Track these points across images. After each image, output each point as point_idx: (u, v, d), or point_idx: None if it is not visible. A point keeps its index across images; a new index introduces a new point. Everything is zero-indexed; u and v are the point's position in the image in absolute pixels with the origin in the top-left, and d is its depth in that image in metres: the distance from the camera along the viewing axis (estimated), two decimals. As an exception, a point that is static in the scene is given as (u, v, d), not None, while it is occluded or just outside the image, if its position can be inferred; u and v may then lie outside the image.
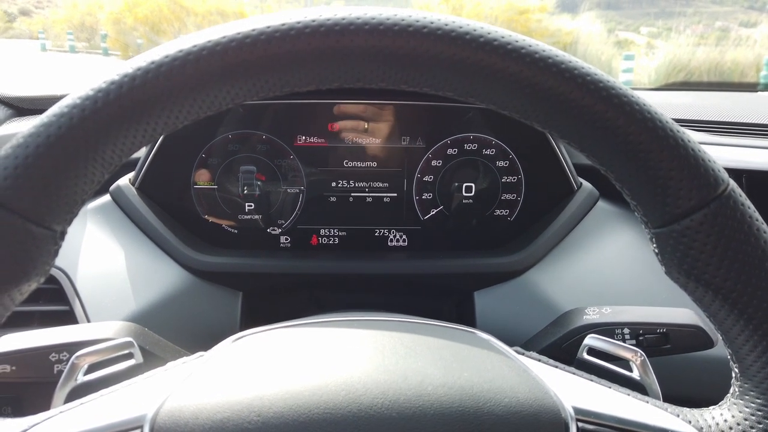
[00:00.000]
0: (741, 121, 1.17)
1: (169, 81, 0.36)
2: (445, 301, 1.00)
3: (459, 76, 0.37)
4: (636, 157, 0.38)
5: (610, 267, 0.93)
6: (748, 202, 0.39)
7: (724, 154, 1.02)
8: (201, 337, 0.83)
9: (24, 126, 0.45)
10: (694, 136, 0.39)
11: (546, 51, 0.37)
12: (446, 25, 0.36)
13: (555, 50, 0.38)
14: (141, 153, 0.96)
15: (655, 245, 0.41)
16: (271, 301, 0.97)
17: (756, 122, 1.16)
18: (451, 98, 0.39)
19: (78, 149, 0.36)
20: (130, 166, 0.96)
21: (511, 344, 0.52)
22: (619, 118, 0.37)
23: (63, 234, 0.40)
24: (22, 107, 1.22)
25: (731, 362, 0.43)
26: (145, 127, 0.37)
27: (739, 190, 0.39)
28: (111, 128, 0.37)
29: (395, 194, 0.98)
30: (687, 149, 0.37)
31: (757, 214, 0.39)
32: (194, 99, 0.37)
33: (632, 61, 10.97)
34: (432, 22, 0.36)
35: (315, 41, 0.36)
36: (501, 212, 0.99)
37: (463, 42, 0.36)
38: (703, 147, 0.39)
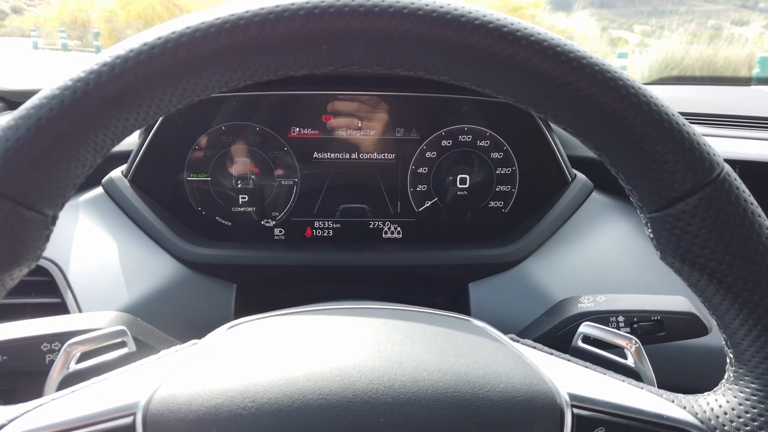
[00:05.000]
0: (734, 113, 1.18)
1: (162, 63, 0.36)
2: (440, 293, 1.00)
3: (454, 60, 0.37)
4: (631, 141, 0.38)
5: (605, 257, 0.93)
6: (743, 186, 0.39)
7: (718, 146, 1.02)
8: (194, 329, 0.83)
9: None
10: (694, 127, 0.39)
11: (542, 34, 0.37)
12: (441, 7, 0.36)
13: (550, 33, 0.37)
14: (134, 145, 0.95)
15: (650, 230, 0.41)
16: (265, 294, 0.97)
17: (749, 114, 1.16)
18: (445, 89, 0.39)
19: (69, 132, 0.36)
20: (122, 158, 0.96)
21: (506, 334, 0.52)
22: (615, 101, 0.37)
23: (54, 218, 0.39)
24: (14, 101, 1.22)
25: (726, 348, 0.43)
26: (137, 110, 0.37)
27: (734, 174, 0.39)
28: (103, 111, 0.36)
29: (390, 186, 0.98)
30: (682, 133, 0.37)
31: (751, 198, 0.39)
32: (187, 82, 0.37)
33: (626, 59, 11.02)
34: (427, 4, 0.36)
35: (309, 23, 0.36)
36: (495, 204, 0.99)
37: (458, 24, 0.36)
38: None
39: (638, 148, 0.38)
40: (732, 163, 0.96)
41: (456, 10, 0.36)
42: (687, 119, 1.08)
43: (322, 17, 0.36)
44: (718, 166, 0.38)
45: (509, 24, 0.36)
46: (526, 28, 0.37)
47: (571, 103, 0.37)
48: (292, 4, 0.36)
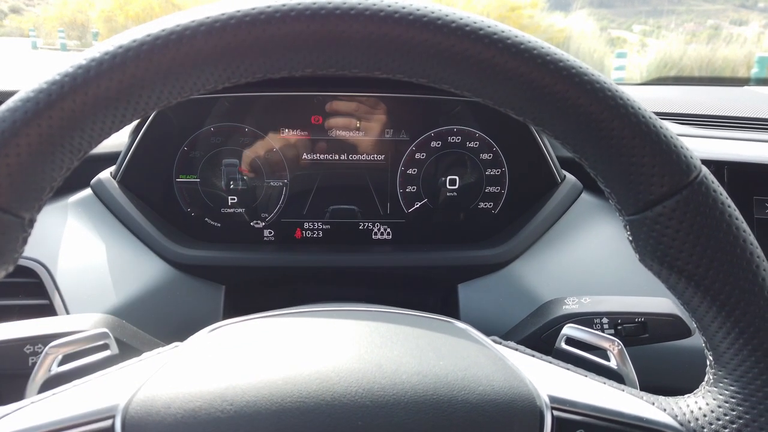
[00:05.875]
0: (725, 114, 1.18)
1: (136, 67, 0.36)
2: (429, 294, 1.00)
3: (431, 63, 0.37)
4: (608, 144, 0.37)
5: (594, 258, 0.93)
6: (720, 189, 0.39)
7: (708, 147, 1.02)
8: (183, 330, 0.83)
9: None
10: (679, 129, 0.39)
11: (518, 37, 0.37)
12: (418, 10, 0.36)
13: (527, 36, 0.37)
14: (122, 146, 0.95)
15: (629, 233, 0.41)
16: (254, 295, 0.97)
17: (740, 115, 1.16)
18: (435, 90, 0.39)
19: (44, 135, 0.36)
20: (111, 159, 0.96)
21: (493, 335, 0.52)
22: (591, 104, 0.37)
23: (32, 221, 0.39)
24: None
25: (705, 350, 0.43)
26: (114, 113, 0.37)
27: (711, 177, 0.39)
28: (78, 114, 0.36)
29: (379, 187, 0.98)
30: (659, 136, 0.37)
31: (729, 201, 0.39)
32: (163, 85, 0.37)
33: (624, 59, 11.02)
34: (404, 7, 0.36)
35: (285, 26, 0.36)
36: (485, 205, 0.99)
37: (434, 27, 0.36)
38: (685, 138, 0.39)
39: (615, 152, 0.38)
40: (721, 164, 0.96)
41: (432, 13, 0.36)
42: (678, 120, 1.07)
43: (297, 20, 0.36)
44: (695, 168, 0.38)
45: (486, 27, 0.36)
46: (503, 31, 0.37)
47: (549, 106, 0.37)
48: (268, 7, 0.36)
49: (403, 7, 0.36)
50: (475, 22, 0.36)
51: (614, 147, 0.37)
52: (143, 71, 0.36)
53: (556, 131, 0.39)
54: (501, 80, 0.37)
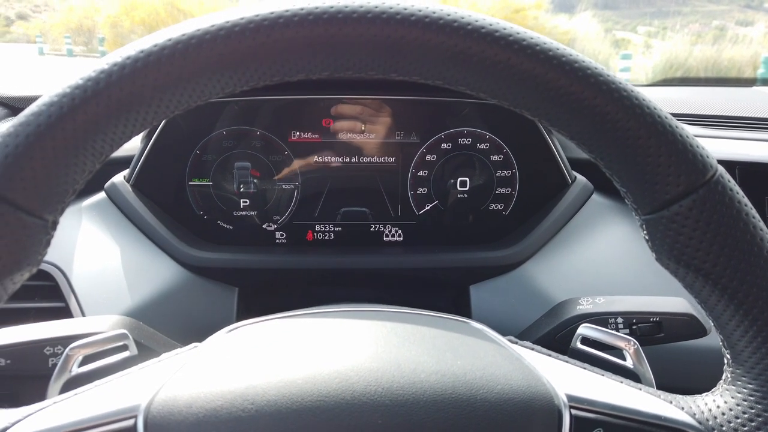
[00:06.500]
0: (734, 114, 1.18)
1: (158, 71, 0.36)
2: (441, 296, 1.01)
3: (447, 65, 0.37)
4: (624, 144, 0.38)
5: (605, 258, 0.93)
6: (736, 188, 0.39)
7: (718, 147, 1.02)
8: (197, 332, 0.83)
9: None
10: (687, 129, 0.39)
11: (534, 38, 0.37)
12: (434, 12, 0.36)
13: (542, 37, 0.38)
14: (136, 150, 0.96)
15: (645, 232, 0.41)
16: (267, 297, 0.97)
17: (750, 116, 1.16)
18: (445, 92, 0.39)
19: (68, 139, 0.36)
20: (125, 163, 0.97)
21: (505, 336, 0.52)
22: (607, 104, 0.37)
23: (55, 223, 0.40)
24: (17, 107, 1.22)
25: (723, 348, 0.43)
26: (135, 116, 0.38)
27: (727, 176, 0.39)
28: (100, 118, 0.37)
29: (390, 189, 0.98)
30: (675, 135, 0.37)
31: (745, 200, 0.39)
32: (184, 88, 0.37)
33: (630, 60, 11.00)
34: (420, 10, 0.36)
35: (303, 30, 0.36)
36: (496, 206, 0.99)
37: (451, 30, 0.36)
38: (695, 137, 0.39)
39: (631, 151, 0.38)
40: (732, 164, 0.96)
41: (448, 15, 0.36)
42: (688, 121, 1.07)
43: (315, 24, 0.36)
44: (711, 167, 0.38)
45: (501, 28, 0.37)
46: (518, 32, 0.37)
47: (564, 107, 0.38)
48: (287, 11, 0.36)
49: (419, 10, 0.36)
50: (491, 24, 0.37)
51: (630, 147, 0.38)
52: (164, 75, 0.36)
53: (572, 132, 0.39)
54: (517, 81, 0.37)
